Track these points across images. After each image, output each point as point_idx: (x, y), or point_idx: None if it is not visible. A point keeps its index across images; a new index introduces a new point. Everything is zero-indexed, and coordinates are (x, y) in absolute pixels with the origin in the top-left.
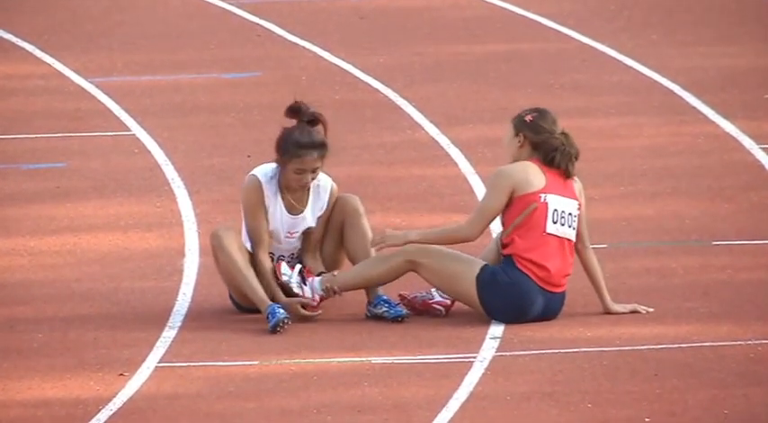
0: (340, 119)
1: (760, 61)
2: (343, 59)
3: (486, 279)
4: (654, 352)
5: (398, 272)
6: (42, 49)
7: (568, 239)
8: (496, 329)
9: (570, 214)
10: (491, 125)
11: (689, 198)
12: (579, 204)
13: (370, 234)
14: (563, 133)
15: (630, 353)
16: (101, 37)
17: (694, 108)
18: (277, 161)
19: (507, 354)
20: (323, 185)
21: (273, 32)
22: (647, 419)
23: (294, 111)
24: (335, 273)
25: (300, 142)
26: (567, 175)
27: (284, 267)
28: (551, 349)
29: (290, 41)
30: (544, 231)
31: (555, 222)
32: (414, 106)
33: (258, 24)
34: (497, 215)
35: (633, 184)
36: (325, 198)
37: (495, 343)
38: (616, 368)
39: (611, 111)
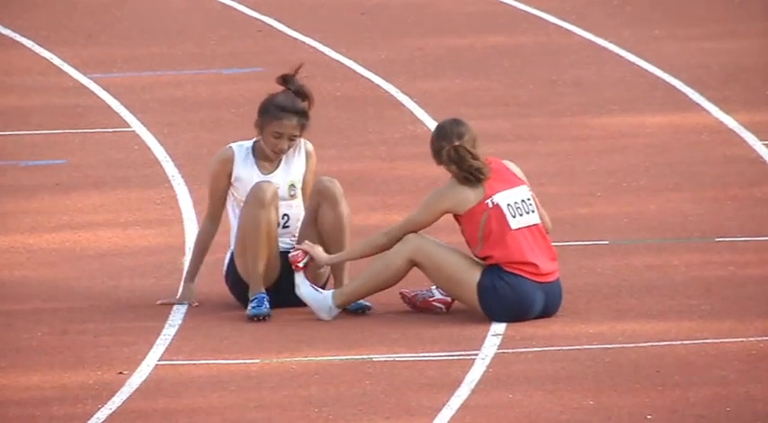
0: (341, 115)
1: (763, 57)
2: (344, 55)
3: (486, 286)
4: (656, 349)
5: (403, 273)
6: (41, 45)
7: (535, 224)
8: (498, 327)
9: (524, 200)
10: (493, 121)
11: (691, 194)
12: (529, 187)
13: (346, 218)
14: (450, 149)
15: (632, 350)
16: (100, 32)
17: (697, 104)
18: (257, 124)
19: (509, 351)
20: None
21: (274, 28)
22: (648, 416)
23: (284, 79)
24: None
25: (281, 105)
26: (480, 181)
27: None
28: (553, 346)
29: (290, 37)
30: (510, 230)
31: (515, 216)
32: (415, 102)
33: (259, 20)
34: (428, 225)
35: (635, 181)
36: (301, 156)
37: (497, 340)
38: (618, 365)
39: (613, 107)
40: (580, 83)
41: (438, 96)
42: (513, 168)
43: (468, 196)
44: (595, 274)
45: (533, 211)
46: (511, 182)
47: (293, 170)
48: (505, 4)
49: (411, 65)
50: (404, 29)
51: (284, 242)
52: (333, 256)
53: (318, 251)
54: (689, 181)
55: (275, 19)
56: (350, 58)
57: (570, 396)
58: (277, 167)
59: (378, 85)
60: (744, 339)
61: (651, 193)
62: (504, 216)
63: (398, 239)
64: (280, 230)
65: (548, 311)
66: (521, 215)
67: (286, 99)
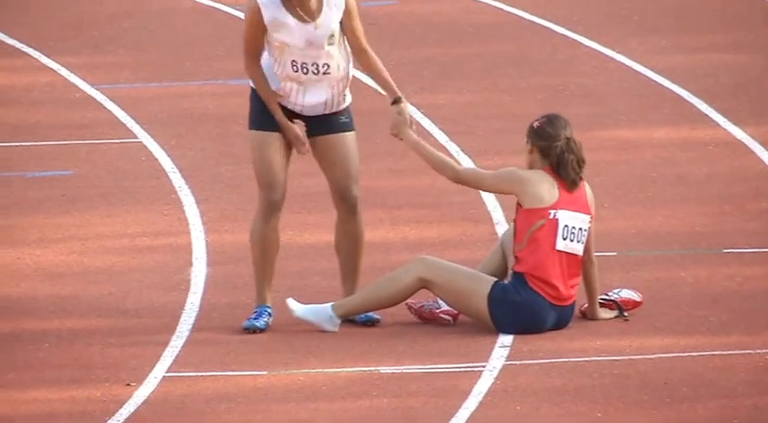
0: None
1: None
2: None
3: (497, 297)
4: (663, 361)
5: (410, 291)
6: (48, 56)
7: (576, 255)
8: (506, 339)
9: (581, 229)
10: (500, 132)
11: (699, 205)
12: (591, 217)
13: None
14: (567, 139)
15: (640, 362)
16: (107, 43)
17: (705, 114)
18: None
19: (517, 363)
20: None
21: None
22: None
23: None
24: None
25: None
26: (571, 183)
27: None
28: (561, 358)
29: None
30: (554, 248)
31: (565, 238)
32: (423, 113)
33: None
34: (486, 191)
35: (643, 192)
36: (340, 3)
37: (505, 352)
38: (626, 377)
39: (621, 117)
40: (588, 93)
41: (445, 107)
42: (588, 193)
43: (542, 193)
44: (603, 287)
45: (581, 243)
46: (581, 207)
47: (333, 17)
48: (513, 14)
49: (418, 76)
50: (411, 39)
51: (320, 88)
52: (419, 145)
53: (409, 132)
54: (696, 192)
55: None
56: (356, 69)
57: (578, 408)
58: (317, 17)
59: (385, 96)
60: (751, 351)
61: (659, 204)
62: (556, 233)
63: (466, 183)
64: (317, 76)
65: (557, 328)
66: (570, 241)
67: None
